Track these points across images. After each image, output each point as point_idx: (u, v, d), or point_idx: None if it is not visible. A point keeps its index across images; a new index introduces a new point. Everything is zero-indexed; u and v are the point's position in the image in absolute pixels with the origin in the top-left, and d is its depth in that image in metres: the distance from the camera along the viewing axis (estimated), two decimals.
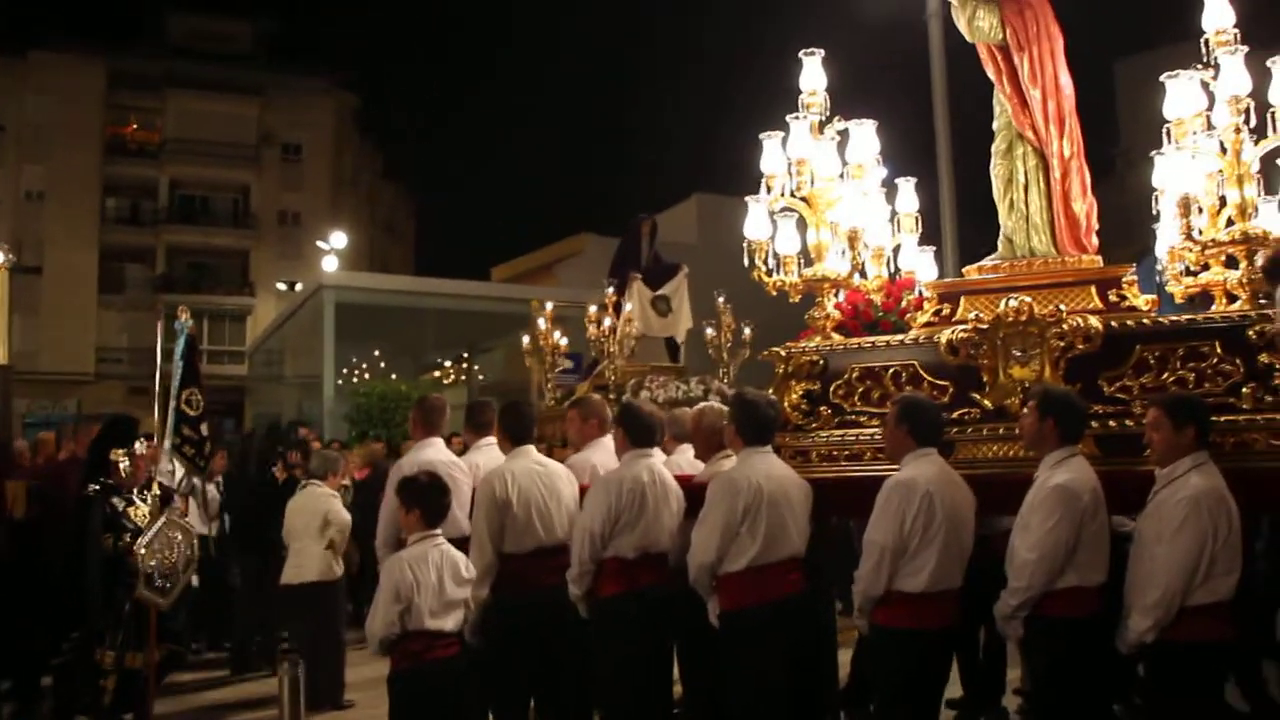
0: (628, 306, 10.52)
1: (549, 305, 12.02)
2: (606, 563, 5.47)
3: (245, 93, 44.69)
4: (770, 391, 5.91)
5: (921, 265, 7.31)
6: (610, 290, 10.62)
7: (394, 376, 25.37)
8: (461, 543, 5.58)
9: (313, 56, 50.21)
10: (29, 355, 35.34)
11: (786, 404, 5.99)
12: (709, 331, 10.59)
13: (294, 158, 45.97)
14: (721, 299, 10.28)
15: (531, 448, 6.05)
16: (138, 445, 7.23)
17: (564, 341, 12.09)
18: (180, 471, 9.00)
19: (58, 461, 8.69)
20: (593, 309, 10.85)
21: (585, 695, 5.83)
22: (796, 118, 6.12)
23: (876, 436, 5.64)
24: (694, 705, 6.01)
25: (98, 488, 7.00)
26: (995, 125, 6.22)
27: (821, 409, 5.98)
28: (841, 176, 6.23)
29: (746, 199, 6.25)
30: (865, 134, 6.36)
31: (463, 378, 28.81)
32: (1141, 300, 5.63)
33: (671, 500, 5.67)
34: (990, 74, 6.19)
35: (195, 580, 9.64)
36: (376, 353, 27.58)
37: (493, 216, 79.57)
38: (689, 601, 5.37)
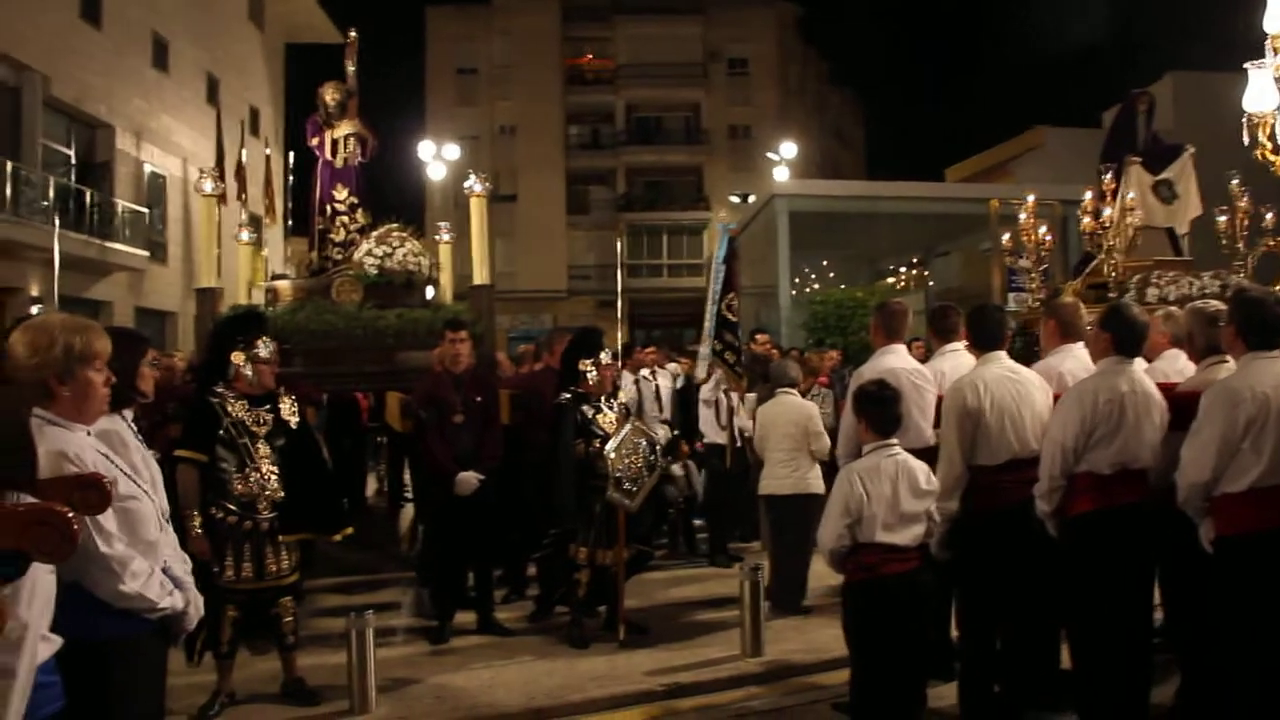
0: (1129, 195, 9.44)
1: (1030, 198, 11.11)
2: (1078, 478, 5.00)
3: (688, 13, 45.93)
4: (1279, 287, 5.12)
5: None
6: (1106, 177, 9.57)
7: (845, 286, 24.85)
8: (924, 453, 5.33)
9: None
10: (509, 276, 39.13)
11: None
12: (1220, 220, 9.27)
13: (740, 72, 46.76)
14: (1235, 181, 8.97)
15: (1003, 354, 5.63)
16: (603, 356, 7.47)
17: (1049, 238, 11.18)
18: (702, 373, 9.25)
19: (534, 372, 9.13)
20: (1087, 196, 9.88)
21: (1055, 614, 5.39)
22: None
23: None
24: (1175, 632, 5.46)
25: (569, 396, 7.32)
26: None
27: None
28: None
29: (1246, 65, 5.41)
30: None
31: (918, 283, 28.06)
32: None
33: (1154, 412, 5.07)
34: None
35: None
36: (828, 261, 27.29)
37: (943, 116, 76.86)
38: (1173, 520, 4.83)
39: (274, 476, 6.07)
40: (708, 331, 9.49)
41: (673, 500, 9.65)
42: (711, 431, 10.07)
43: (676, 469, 9.69)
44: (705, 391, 10.02)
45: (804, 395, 8.96)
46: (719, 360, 9.37)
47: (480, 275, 9.78)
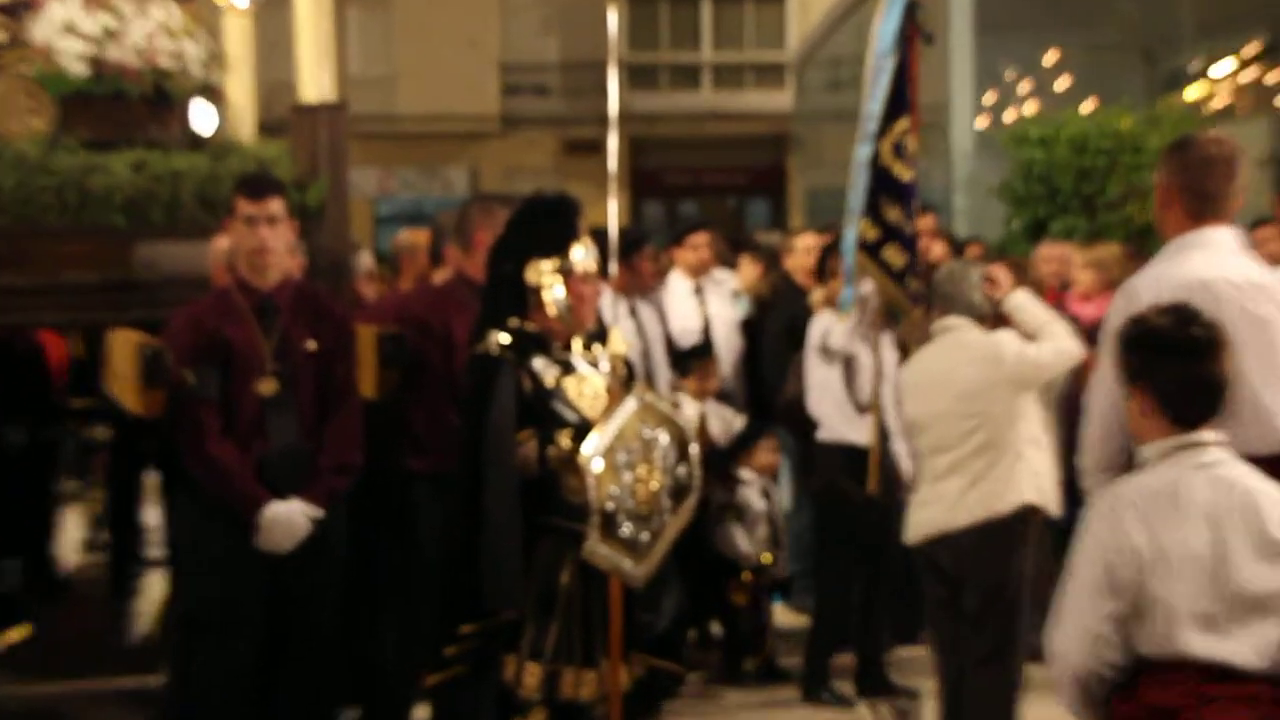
0: None
1: None
2: None
3: None
4: None
5: None
6: None
7: (1096, 105, 12.66)
8: None
9: None
10: (379, 86, 21.94)
11: None
12: None
13: None
14: None
15: None
16: (577, 254, 4.28)
17: None
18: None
19: (431, 288, 5.60)
20: None
21: None
22: None
23: None
24: None
25: (507, 339, 4.32)
26: None
27: None
28: None
29: None
30: None
31: (1257, 101, 16.10)
32: None
33: None
34: None
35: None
36: (1057, 53, 14.89)
37: None
38: None
39: None
40: (850, 206, 5.25)
41: (740, 560, 5.78)
42: (839, 418, 5.63)
43: (754, 496, 5.82)
44: (833, 333, 5.55)
45: None
46: (873, 263, 5.26)
47: (316, 85, 6.15)
